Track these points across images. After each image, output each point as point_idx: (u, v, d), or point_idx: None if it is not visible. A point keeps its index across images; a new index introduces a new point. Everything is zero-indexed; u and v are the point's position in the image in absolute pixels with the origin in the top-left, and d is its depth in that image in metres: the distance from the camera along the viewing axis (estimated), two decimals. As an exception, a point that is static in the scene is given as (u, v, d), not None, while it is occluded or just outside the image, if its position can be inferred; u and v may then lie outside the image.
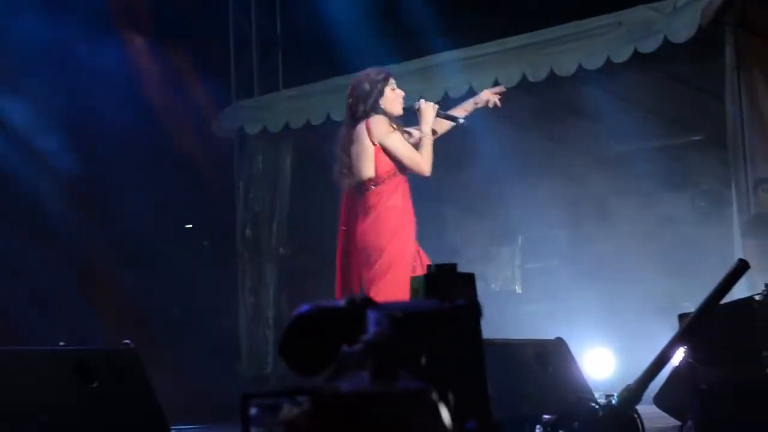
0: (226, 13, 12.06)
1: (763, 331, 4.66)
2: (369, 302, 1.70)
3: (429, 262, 6.48)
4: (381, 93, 6.46)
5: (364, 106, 6.44)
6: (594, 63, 9.09)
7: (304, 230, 12.21)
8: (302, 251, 12.64)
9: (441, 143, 8.11)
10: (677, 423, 5.77)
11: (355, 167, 6.46)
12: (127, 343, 5.16)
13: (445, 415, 1.50)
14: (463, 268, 4.19)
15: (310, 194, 11.86)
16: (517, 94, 9.12)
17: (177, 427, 5.46)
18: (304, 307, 1.74)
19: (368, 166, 6.41)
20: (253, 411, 1.51)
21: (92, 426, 4.79)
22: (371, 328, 1.69)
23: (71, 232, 10.77)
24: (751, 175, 8.57)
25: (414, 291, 4.05)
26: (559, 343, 5.78)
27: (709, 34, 8.54)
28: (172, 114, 11.25)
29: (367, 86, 6.46)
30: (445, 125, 6.80)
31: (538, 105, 10.56)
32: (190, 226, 12.96)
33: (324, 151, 11.99)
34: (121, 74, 10.98)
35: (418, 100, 6.61)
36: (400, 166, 6.44)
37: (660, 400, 6.09)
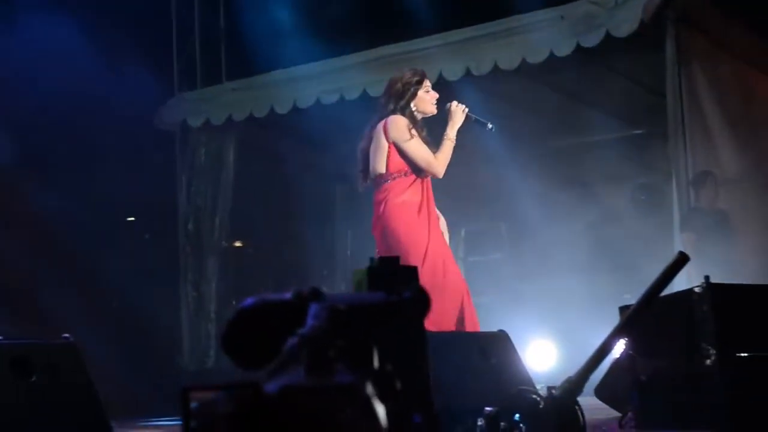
0: (168, 4, 11.95)
1: (702, 323, 4.70)
2: (317, 295, 1.69)
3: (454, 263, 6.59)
4: (414, 95, 6.55)
5: (395, 105, 6.52)
6: (537, 57, 9.13)
7: (248, 224, 12.17)
8: (245, 245, 12.60)
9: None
10: (617, 414, 5.82)
11: (370, 163, 6.56)
12: (66, 337, 5.10)
13: (379, 409, 1.49)
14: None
15: (254, 187, 11.83)
16: (461, 87, 9.14)
17: (118, 421, 5.40)
18: (249, 301, 1.73)
19: (381, 162, 6.50)
20: (193, 404, 1.50)
21: (31, 421, 4.74)
22: (309, 322, 1.68)
23: (4, 225, 10.62)
24: (691, 169, 8.67)
25: (357, 284, 4.06)
26: (502, 335, 5.80)
27: (651, 29, 8.61)
28: (113, 105, 11.13)
29: (399, 87, 6.56)
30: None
31: (481, 98, 10.59)
32: (132, 219, 12.85)
33: (267, 143, 12.03)
34: (61, 61, 10.83)
35: (450, 103, 6.61)
36: (415, 167, 6.49)
37: (600, 392, 6.14)
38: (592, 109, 11.21)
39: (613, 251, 11.14)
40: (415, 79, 6.58)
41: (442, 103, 6.59)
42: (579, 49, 8.94)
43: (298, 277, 12.28)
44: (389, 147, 6.47)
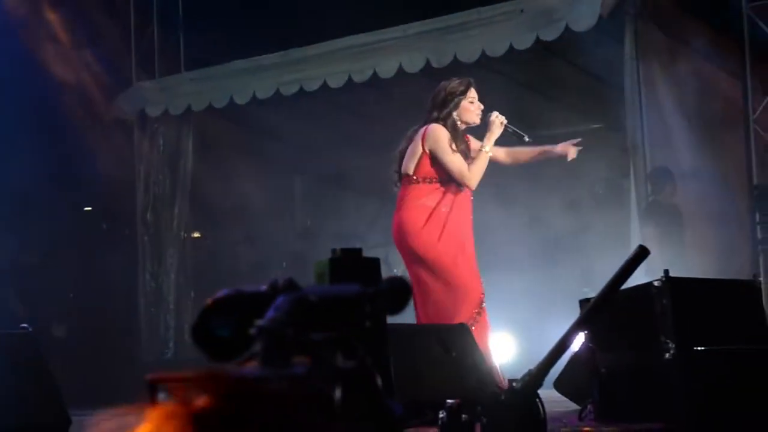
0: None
1: (661, 316, 4.75)
2: (291, 286, 1.68)
3: (474, 263, 6.63)
4: (458, 105, 6.68)
5: (438, 113, 6.66)
6: (497, 50, 9.15)
7: (207, 215, 12.11)
8: (204, 236, 12.55)
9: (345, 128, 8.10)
10: (576, 407, 5.85)
11: (402, 162, 6.71)
12: (24, 327, 5.07)
13: (330, 401, 1.49)
14: (366, 254, 4.20)
15: (213, 178, 11.76)
16: (420, 81, 9.15)
17: (75, 411, 5.37)
18: (223, 291, 1.73)
19: (411, 165, 6.67)
20: (160, 395, 1.49)
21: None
22: (269, 313, 1.68)
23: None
24: (649, 163, 8.73)
25: (318, 275, 4.06)
26: (462, 328, 5.82)
27: (610, 23, 8.65)
28: (70, 93, 11.03)
29: (443, 95, 6.71)
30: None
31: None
32: (89, 209, 12.75)
33: (227, 134, 11.98)
34: (16, 47, 10.72)
35: (491, 113, 6.70)
36: (445, 176, 6.61)
37: (560, 385, 6.18)
38: (551, 102, 11.26)
39: (571, 245, 11.19)
40: (461, 89, 6.71)
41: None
42: (538, 42, 8.96)
43: (256, 268, 12.25)
44: (423, 154, 6.61)
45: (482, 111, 6.77)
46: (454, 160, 6.57)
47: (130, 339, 11.38)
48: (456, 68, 9.07)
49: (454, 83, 6.75)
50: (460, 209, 6.71)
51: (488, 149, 6.67)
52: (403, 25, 9.77)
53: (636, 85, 8.69)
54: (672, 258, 7.98)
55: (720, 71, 9.86)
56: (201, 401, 1.45)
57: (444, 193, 6.64)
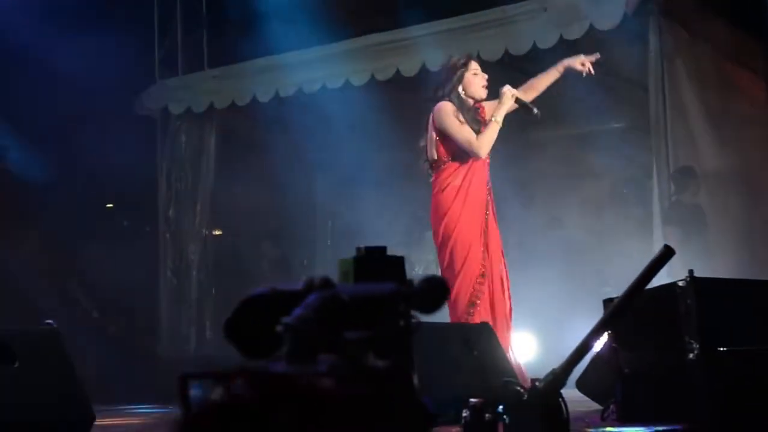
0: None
1: (685, 316, 4.72)
2: (327, 284, 1.68)
3: (499, 242, 6.67)
4: (461, 79, 6.74)
5: (443, 91, 6.75)
6: (520, 48, 9.13)
7: (228, 212, 12.12)
8: (225, 233, 12.56)
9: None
10: (598, 407, 5.83)
11: (427, 152, 6.78)
12: (49, 323, 5.09)
13: (363, 400, 1.49)
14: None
15: (235, 175, 11.78)
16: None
17: (98, 407, 5.39)
18: (258, 289, 1.73)
19: (432, 150, 6.75)
20: (193, 391, 1.50)
21: (13, 406, 4.72)
22: (297, 310, 1.67)
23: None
24: (672, 163, 8.70)
25: (343, 274, 4.05)
26: (485, 326, 5.81)
27: (634, 22, 8.63)
28: (93, 89, 11.05)
29: (444, 73, 6.84)
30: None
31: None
32: (111, 205, 12.79)
33: (249, 132, 11.99)
34: (40, 48, 10.76)
35: (503, 86, 6.73)
36: (459, 150, 6.66)
37: (582, 385, 6.16)
38: (574, 101, 11.22)
39: (593, 244, 11.15)
40: (462, 62, 6.77)
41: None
42: (562, 41, 8.94)
43: (277, 265, 12.26)
44: (437, 134, 6.67)
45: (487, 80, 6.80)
46: (462, 131, 6.62)
47: (151, 335, 11.42)
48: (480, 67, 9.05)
49: (454, 59, 6.85)
50: (480, 179, 6.74)
51: (499, 119, 6.68)
52: (426, 23, 9.77)
53: (660, 83, 8.66)
54: (695, 258, 7.96)
55: (743, 70, 9.81)
56: (232, 397, 1.45)
57: (469, 168, 6.68)
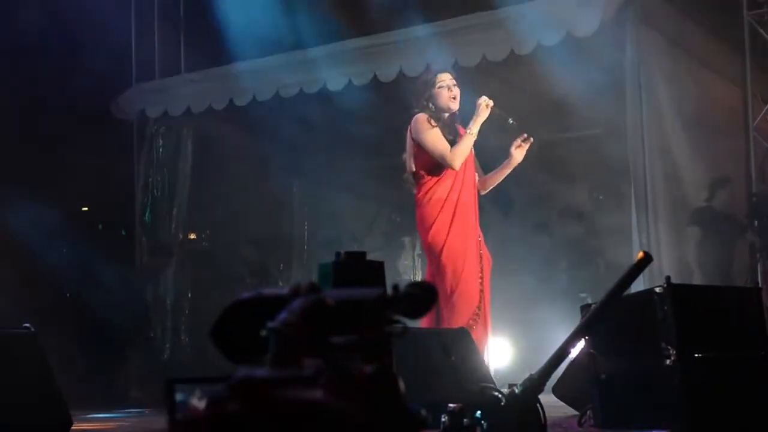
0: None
1: (662, 322, 4.74)
2: (314, 289, 1.68)
3: (488, 255, 6.67)
4: (429, 97, 6.80)
5: (417, 102, 6.81)
6: (498, 55, 9.15)
7: (205, 216, 12.09)
8: (201, 237, 12.52)
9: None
10: (575, 412, 5.85)
11: (406, 162, 6.84)
12: (26, 327, 5.06)
13: (340, 401, 1.49)
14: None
15: (211, 179, 11.75)
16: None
17: (74, 413, 5.36)
18: (245, 294, 1.73)
19: (412, 162, 6.79)
20: (178, 396, 1.49)
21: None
22: (281, 315, 1.67)
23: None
24: (649, 169, 8.72)
25: (322, 279, 4.04)
26: (462, 332, 5.81)
27: (611, 29, 8.66)
28: (69, 92, 11.01)
29: (419, 84, 6.91)
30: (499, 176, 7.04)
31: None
32: (86, 209, 12.73)
33: (226, 136, 11.96)
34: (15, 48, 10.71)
35: (479, 97, 6.75)
36: (436, 163, 6.70)
37: (559, 390, 6.17)
38: (550, 108, 11.25)
39: (569, 250, 11.18)
40: (429, 77, 6.88)
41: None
42: (539, 47, 8.96)
43: (254, 270, 12.23)
44: (414, 146, 6.73)
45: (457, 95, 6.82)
46: (435, 144, 6.65)
47: (126, 340, 11.35)
48: (456, 73, 9.08)
49: (424, 75, 6.97)
50: (468, 191, 6.76)
51: (474, 131, 6.69)
52: (404, 29, 9.77)
53: (637, 91, 8.69)
54: (713, 263, 8.16)
55: (720, 78, 9.87)
56: (220, 406, 1.44)
57: (452, 180, 6.69)
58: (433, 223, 6.64)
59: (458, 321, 6.39)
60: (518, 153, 6.91)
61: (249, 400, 1.46)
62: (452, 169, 6.69)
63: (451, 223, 6.62)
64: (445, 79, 6.84)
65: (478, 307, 6.53)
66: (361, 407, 1.43)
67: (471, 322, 6.44)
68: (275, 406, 1.47)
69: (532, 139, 6.94)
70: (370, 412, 1.42)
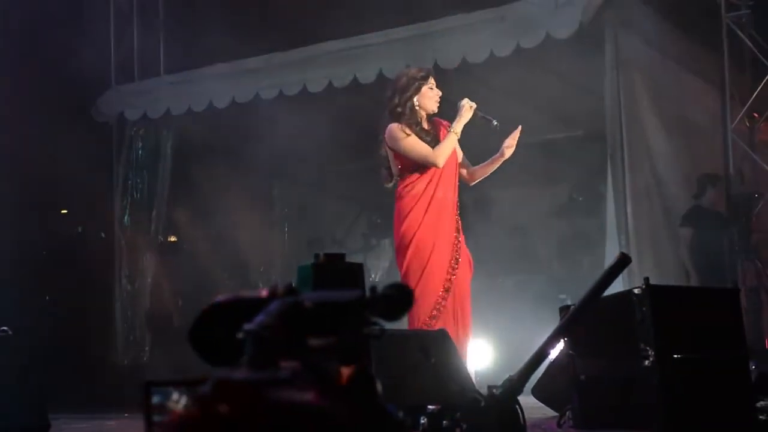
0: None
1: (641, 323, 4.76)
2: (291, 291, 1.68)
3: (468, 256, 6.70)
4: (418, 90, 6.71)
5: (398, 100, 6.71)
6: (478, 57, 9.17)
7: (184, 218, 12.06)
8: (181, 239, 12.49)
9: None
10: (554, 414, 5.86)
11: (388, 161, 6.82)
12: (3, 330, 5.04)
13: (315, 404, 1.49)
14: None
15: (191, 182, 11.73)
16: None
17: (52, 414, 5.34)
18: (222, 296, 1.72)
19: (391, 163, 6.78)
20: (155, 398, 1.49)
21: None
22: (258, 317, 1.67)
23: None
24: (628, 171, 8.75)
25: (302, 280, 4.05)
26: (442, 333, 5.81)
27: (590, 31, 8.68)
28: (49, 94, 10.97)
29: (404, 81, 6.76)
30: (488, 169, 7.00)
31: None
32: (65, 211, 12.68)
33: (206, 138, 11.94)
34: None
35: (462, 99, 6.72)
36: (416, 163, 6.69)
37: (538, 391, 6.18)
38: (530, 110, 11.27)
39: (548, 251, 11.21)
40: (421, 74, 6.78)
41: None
42: (519, 49, 8.98)
43: (234, 272, 12.21)
44: (391, 152, 6.73)
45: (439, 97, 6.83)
46: (415, 149, 6.64)
47: (106, 342, 11.32)
48: (436, 74, 9.09)
49: (414, 70, 6.85)
50: (446, 188, 6.76)
51: (457, 131, 6.70)
52: (383, 31, 9.77)
53: (616, 93, 8.72)
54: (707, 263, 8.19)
55: (699, 81, 9.90)
56: (197, 405, 1.44)
57: (429, 174, 6.70)
58: (407, 216, 6.64)
59: (415, 315, 6.41)
60: (508, 151, 6.92)
61: (237, 402, 1.46)
62: (436, 167, 6.69)
63: (423, 218, 6.62)
64: (434, 82, 6.85)
65: (436, 308, 6.51)
66: (343, 409, 1.43)
67: (427, 318, 6.44)
68: (265, 407, 1.47)
69: (520, 127, 6.92)
70: (351, 413, 1.42)
